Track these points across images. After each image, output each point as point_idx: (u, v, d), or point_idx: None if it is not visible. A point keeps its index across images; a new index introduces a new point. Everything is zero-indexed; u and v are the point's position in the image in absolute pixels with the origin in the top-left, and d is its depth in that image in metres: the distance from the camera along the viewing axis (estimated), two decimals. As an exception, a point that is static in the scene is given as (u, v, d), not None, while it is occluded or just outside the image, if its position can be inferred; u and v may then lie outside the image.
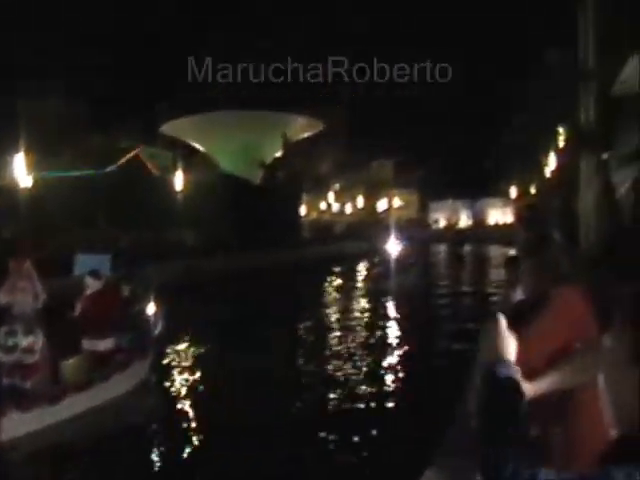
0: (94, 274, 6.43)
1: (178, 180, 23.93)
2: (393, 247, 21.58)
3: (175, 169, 24.57)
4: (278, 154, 37.50)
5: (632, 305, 2.08)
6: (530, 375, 1.90)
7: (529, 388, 1.88)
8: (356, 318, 12.47)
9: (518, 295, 3.03)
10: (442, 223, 52.38)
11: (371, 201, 51.49)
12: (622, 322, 2.03)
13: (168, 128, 36.85)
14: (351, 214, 49.56)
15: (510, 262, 4.14)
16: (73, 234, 16.64)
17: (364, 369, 7.91)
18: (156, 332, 6.91)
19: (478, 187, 47.72)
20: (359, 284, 19.36)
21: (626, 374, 1.88)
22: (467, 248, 34.33)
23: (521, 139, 25.96)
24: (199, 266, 18.02)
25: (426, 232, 45.94)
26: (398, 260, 20.08)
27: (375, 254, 26.17)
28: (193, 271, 17.20)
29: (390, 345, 9.54)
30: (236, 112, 35.84)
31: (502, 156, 30.44)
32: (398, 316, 12.13)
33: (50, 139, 20.79)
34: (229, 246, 22.20)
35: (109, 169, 22.56)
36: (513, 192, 37.06)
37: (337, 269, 23.06)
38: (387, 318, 12.05)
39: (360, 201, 50.33)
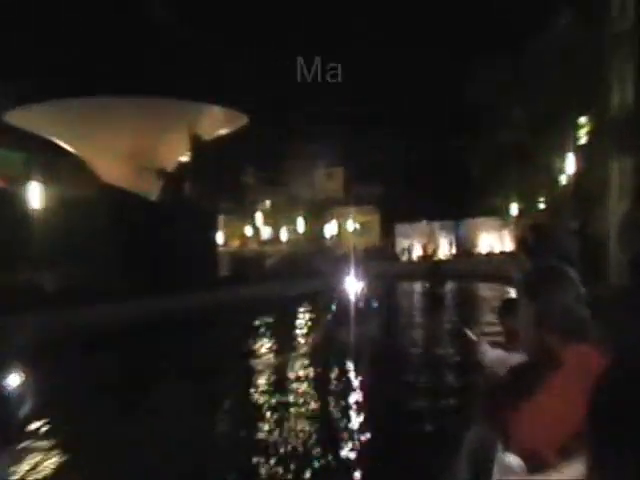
0: None
1: (34, 195, 23.37)
2: (347, 287, 21.61)
3: (29, 179, 24.05)
4: (184, 158, 37.32)
5: None
6: (538, 464, 1.95)
7: None
8: (293, 392, 12.46)
9: (517, 355, 3.14)
10: (414, 253, 53.38)
11: (316, 224, 52.05)
12: None
13: (16, 117, 35.75)
14: (288, 242, 49.76)
15: (505, 307, 4.21)
16: None
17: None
18: (21, 413, 6.76)
19: (463, 203, 48.84)
20: (300, 340, 19.39)
21: None
22: (449, 287, 34.94)
23: (522, 137, 26.70)
24: (70, 318, 17.90)
25: (393, 265, 46.94)
26: (355, 306, 20.14)
27: (321, 297, 26.29)
28: (62, 325, 17.11)
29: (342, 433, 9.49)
30: (123, 98, 35.45)
31: (496, 160, 31.25)
32: (354, 392, 12.13)
33: None
34: (114, 289, 21.92)
35: None
36: (513, 208, 38.01)
37: (268, 319, 23.13)
38: (339, 395, 12.01)
39: (300, 224, 50.69)
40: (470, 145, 36.63)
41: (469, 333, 4.16)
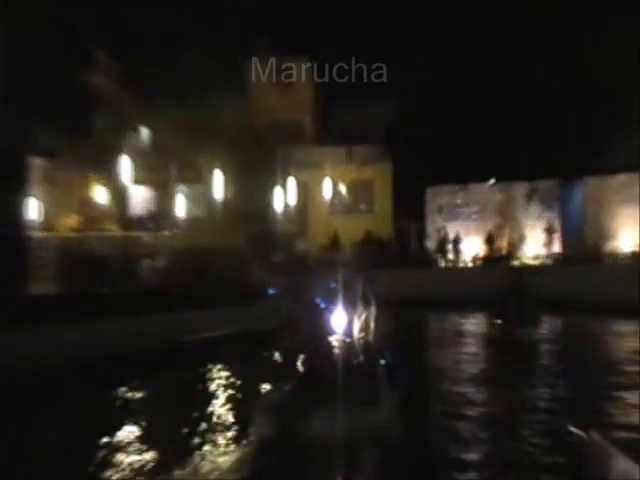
0: None
1: None
2: (322, 322, 21.89)
3: None
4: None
5: None
6: None
7: None
8: None
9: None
10: (468, 249, 54.12)
11: (253, 182, 52.36)
12: None
13: None
14: (192, 220, 50.19)
15: None
16: None
17: None
18: None
19: (576, 145, 49.26)
20: (217, 436, 19.48)
21: None
22: (546, 325, 35.50)
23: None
24: None
25: (421, 276, 48.25)
26: (344, 365, 20.46)
27: (267, 343, 26.89)
28: None
29: None
30: None
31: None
32: None
33: None
34: None
35: None
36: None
37: (143, 392, 23.74)
38: None
39: (218, 181, 51.12)
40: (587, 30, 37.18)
41: (577, 432, 4.06)
